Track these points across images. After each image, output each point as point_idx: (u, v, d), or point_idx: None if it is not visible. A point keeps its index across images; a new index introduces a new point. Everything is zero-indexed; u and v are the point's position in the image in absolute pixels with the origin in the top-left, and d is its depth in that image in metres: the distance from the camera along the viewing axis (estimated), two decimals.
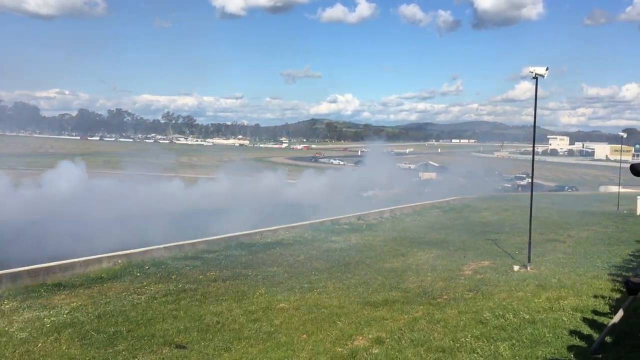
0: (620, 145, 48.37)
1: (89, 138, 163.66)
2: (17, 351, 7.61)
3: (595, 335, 7.14)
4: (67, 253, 14.80)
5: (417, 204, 31.18)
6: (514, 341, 7.36)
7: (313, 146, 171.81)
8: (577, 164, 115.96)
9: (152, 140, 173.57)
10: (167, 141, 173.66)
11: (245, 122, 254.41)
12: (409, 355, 7.07)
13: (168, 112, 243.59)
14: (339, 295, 10.98)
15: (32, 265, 12.67)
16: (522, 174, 59.66)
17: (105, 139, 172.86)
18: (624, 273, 12.12)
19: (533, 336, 7.54)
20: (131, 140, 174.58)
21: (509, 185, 53.54)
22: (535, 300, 9.75)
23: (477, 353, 7.02)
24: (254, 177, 47.70)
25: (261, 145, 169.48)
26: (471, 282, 11.96)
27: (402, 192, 41.25)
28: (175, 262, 14.62)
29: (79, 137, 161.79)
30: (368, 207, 29.16)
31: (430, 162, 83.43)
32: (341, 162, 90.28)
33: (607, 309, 8.75)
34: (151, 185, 37.80)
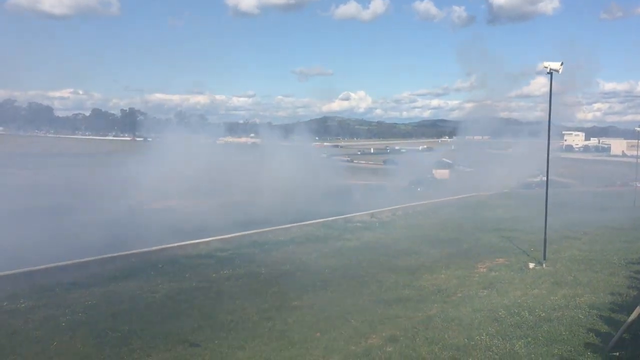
0: (637, 141, 47.48)
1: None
2: (33, 349, 7.69)
3: (613, 333, 7.03)
4: None
5: (430, 201, 31.02)
6: (529, 339, 7.29)
7: (325, 144, 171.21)
8: (593, 160, 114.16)
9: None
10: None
11: (258, 120, 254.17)
12: (424, 353, 7.02)
13: (180, 110, 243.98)
14: (353, 293, 10.95)
15: (47, 264, 12.82)
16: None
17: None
18: None
19: (549, 334, 7.46)
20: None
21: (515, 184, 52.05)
22: (551, 298, 9.65)
23: (493, 351, 6.95)
24: None
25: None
26: (486, 280, 11.86)
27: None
28: (189, 260, 14.69)
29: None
30: None
31: (444, 158, 76.52)
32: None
33: (624, 306, 8.62)
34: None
